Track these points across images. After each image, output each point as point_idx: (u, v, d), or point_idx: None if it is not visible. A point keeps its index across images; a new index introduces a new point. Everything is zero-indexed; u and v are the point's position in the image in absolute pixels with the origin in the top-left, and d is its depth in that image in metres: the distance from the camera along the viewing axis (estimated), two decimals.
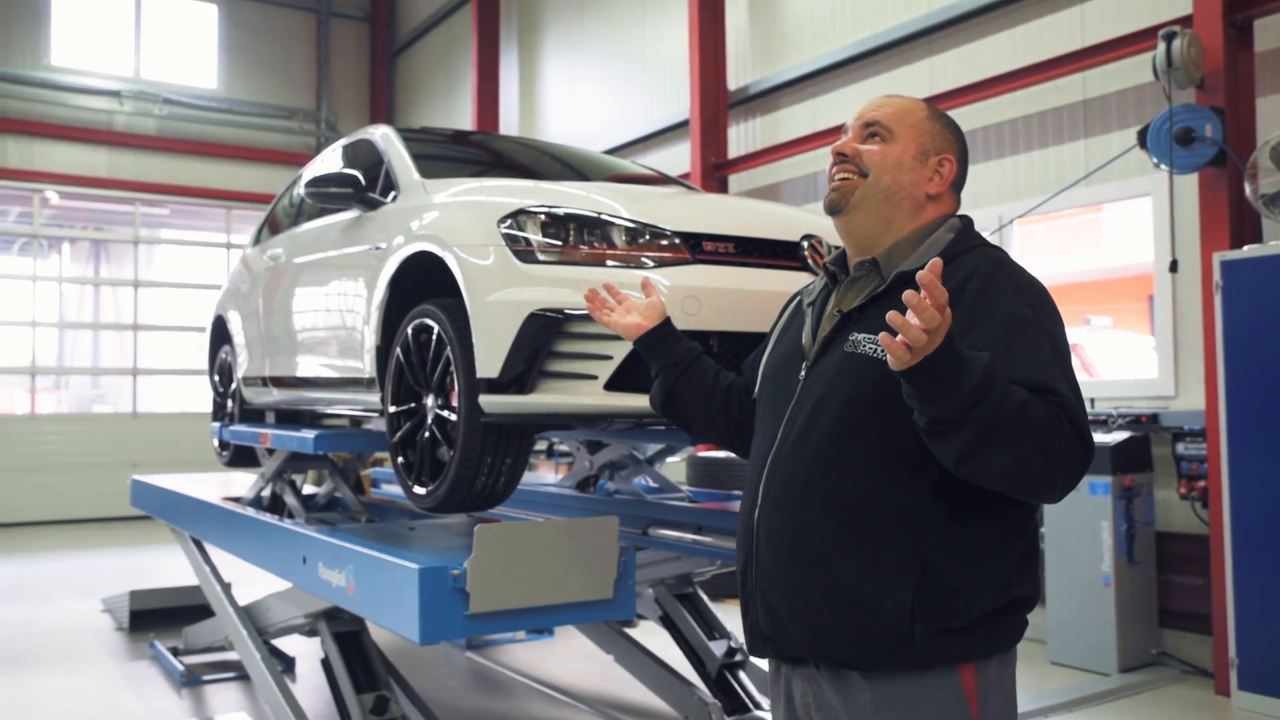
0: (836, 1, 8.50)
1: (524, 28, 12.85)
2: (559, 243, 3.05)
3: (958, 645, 1.76)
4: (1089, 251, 7.77)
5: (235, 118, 14.98)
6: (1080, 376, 6.93)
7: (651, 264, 3.02)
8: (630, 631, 5.32)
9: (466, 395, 3.08)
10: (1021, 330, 1.73)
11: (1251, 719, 5.05)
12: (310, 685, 5.50)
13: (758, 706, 4.64)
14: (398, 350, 3.46)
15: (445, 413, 3.23)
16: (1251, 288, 5.23)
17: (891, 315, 1.50)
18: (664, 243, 3.07)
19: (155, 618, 6.89)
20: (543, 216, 3.09)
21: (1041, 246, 7.49)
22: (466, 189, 3.56)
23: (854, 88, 8.29)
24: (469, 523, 3.83)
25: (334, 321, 4.11)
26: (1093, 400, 6.36)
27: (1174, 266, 5.85)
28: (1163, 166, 5.68)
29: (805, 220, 3.42)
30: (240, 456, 5.58)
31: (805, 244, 3.27)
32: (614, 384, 2.90)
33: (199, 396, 13.94)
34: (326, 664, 4.30)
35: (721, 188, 9.38)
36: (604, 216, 3.08)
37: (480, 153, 4.86)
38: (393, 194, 3.89)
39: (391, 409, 3.50)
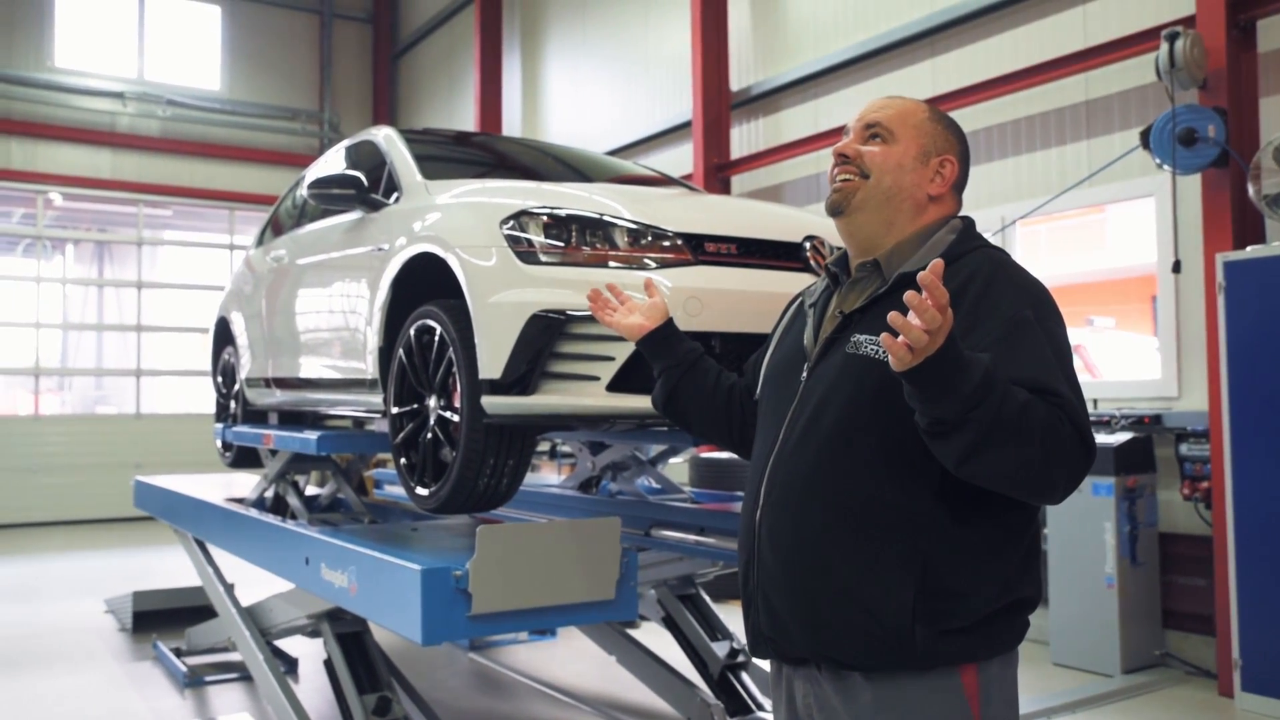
0: (839, 2, 8.50)
1: (526, 29, 12.86)
2: (561, 244, 3.05)
3: (959, 646, 1.76)
4: (1092, 252, 7.76)
5: (238, 119, 15.00)
6: (1083, 377, 6.92)
7: (654, 265, 3.03)
8: (633, 632, 5.32)
9: (469, 396, 3.08)
10: (1023, 331, 1.73)
11: None
12: (313, 686, 5.51)
13: (760, 708, 4.64)
14: (400, 351, 3.47)
15: (448, 414, 3.23)
16: (1254, 288, 5.23)
17: (893, 316, 1.50)
18: (666, 244, 3.07)
19: (158, 618, 6.90)
20: (545, 218, 3.09)
21: (1045, 247, 7.49)
22: (469, 190, 3.56)
23: (856, 89, 8.29)
24: (471, 524, 3.83)
25: (337, 323, 4.11)
26: (1096, 401, 6.36)
27: (1177, 267, 5.85)
28: (1165, 167, 5.68)
29: (807, 221, 3.42)
30: (243, 457, 5.58)
31: (807, 245, 3.27)
32: (616, 385, 2.91)
33: (202, 397, 13.95)
34: (329, 665, 4.30)
35: (724, 189, 9.38)
36: (606, 218, 3.09)
37: (483, 154, 4.86)
38: (395, 195, 3.90)
39: (394, 410, 3.50)
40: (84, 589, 8.53)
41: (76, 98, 13.96)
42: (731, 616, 4.84)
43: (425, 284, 3.43)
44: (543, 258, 3.04)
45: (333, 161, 4.75)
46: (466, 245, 3.16)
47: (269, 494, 4.97)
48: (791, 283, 2.87)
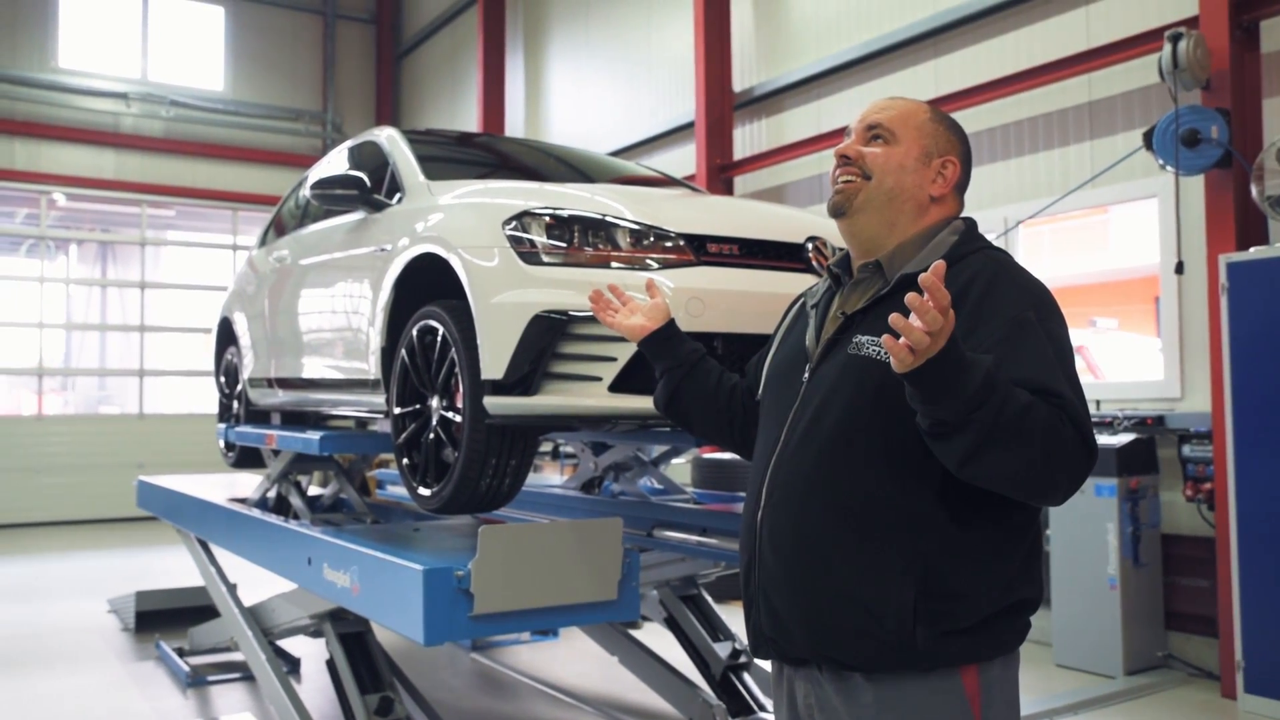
0: (842, 3, 8.49)
1: (529, 30, 12.87)
2: (564, 244, 3.05)
3: (960, 647, 1.76)
4: (1095, 253, 7.76)
5: (241, 119, 15.02)
6: (1086, 378, 6.91)
7: (656, 266, 3.03)
8: (635, 633, 5.32)
9: (471, 397, 3.09)
10: (1024, 332, 1.73)
11: None
12: (315, 686, 5.52)
13: (762, 709, 4.64)
14: (403, 352, 3.47)
15: (450, 414, 3.23)
16: (1257, 289, 5.22)
17: (894, 318, 1.50)
18: (668, 244, 3.07)
19: (161, 618, 6.91)
20: (547, 218, 3.09)
21: (1048, 248, 7.49)
22: (471, 191, 3.57)
23: (859, 89, 8.29)
24: (474, 524, 3.84)
25: (339, 323, 4.12)
26: (1098, 402, 6.36)
27: (1179, 268, 5.85)
28: (1168, 168, 5.67)
29: (809, 222, 3.42)
30: (246, 458, 5.59)
31: (809, 246, 3.27)
32: (618, 385, 2.91)
33: (205, 398, 13.97)
34: (331, 665, 4.30)
35: (727, 189, 9.38)
36: (608, 218, 3.09)
37: (485, 154, 4.86)
38: (398, 196, 3.90)
39: (396, 410, 3.51)
40: (87, 589, 8.54)
41: (80, 98, 13.98)
42: (733, 617, 4.83)
43: (428, 284, 3.44)
44: (545, 258, 3.04)
45: (335, 162, 4.76)
46: (469, 246, 3.17)
47: (271, 494, 4.98)
48: (793, 283, 2.87)
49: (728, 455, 7.37)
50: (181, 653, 6.13)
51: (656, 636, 5.37)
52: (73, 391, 16.60)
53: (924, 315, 1.47)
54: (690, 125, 9.88)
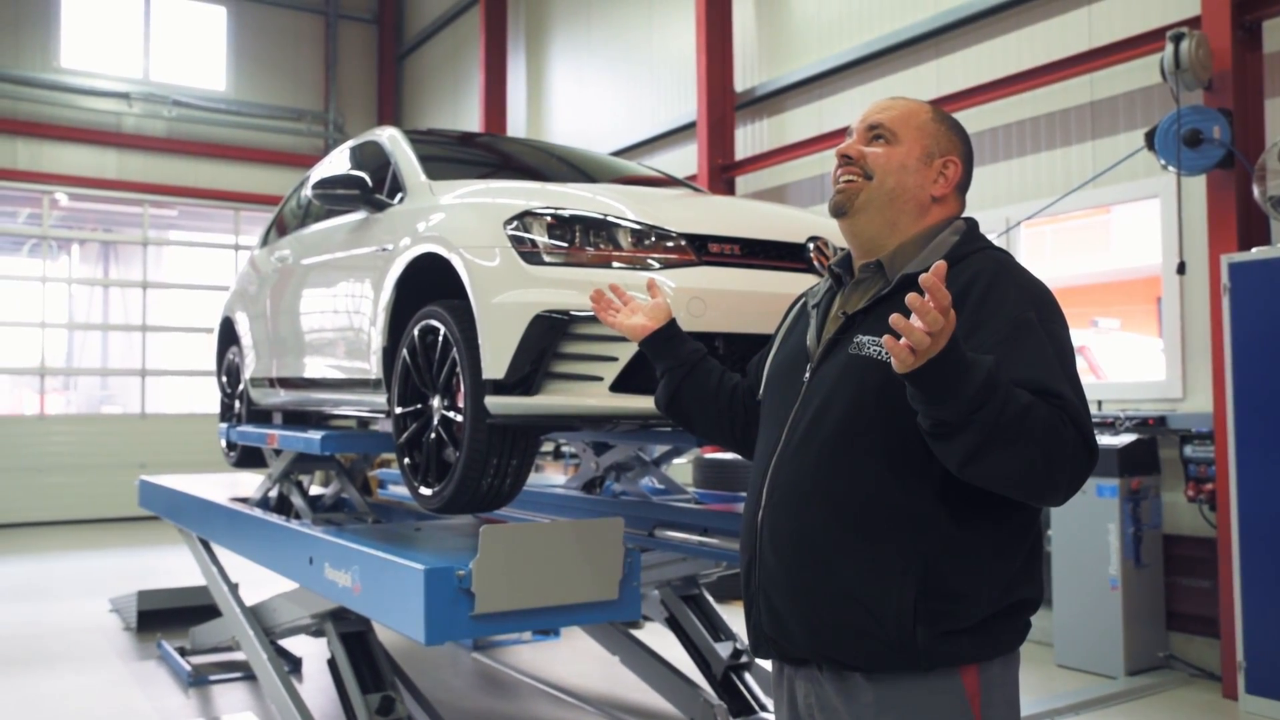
0: (843, 3, 8.49)
1: (531, 30, 12.87)
2: (565, 244, 3.05)
3: (960, 647, 1.76)
4: (1097, 254, 7.76)
5: (244, 119, 15.03)
6: (1088, 379, 6.90)
7: (657, 266, 3.03)
8: (636, 633, 5.32)
9: (472, 396, 3.09)
10: (1025, 333, 1.73)
11: None
12: (316, 685, 5.52)
13: (763, 708, 4.64)
14: (404, 351, 3.47)
15: (451, 414, 3.24)
16: (1259, 290, 5.22)
17: (894, 318, 1.50)
18: (670, 244, 3.07)
19: (163, 618, 6.92)
20: (549, 218, 3.09)
21: (1049, 249, 7.49)
22: (473, 190, 3.57)
23: (861, 89, 8.29)
24: (475, 524, 3.84)
25: (341, 323, 4.12)
26: (1100, 402, 6.35)
27: (1181, 268, 5.85)
28: (1170, 168, 5.67)
29: (811, 222, 3.42)
30: (248, 457, 5.59)
31: (811, 246, 3.27)
32: (619, 385, 2.91)
33: (207, 397, 13.99)
34: (333, 664, 4.31)
35: (728, 189, 9.38)
36: (610, 218, 3.09)
37: (487, 154, 4.87)
38: (399, 195, 3.90)
39: (398, 410, 3.51)
40: (89, 588, 8.54)
41: (82, 98, 14.00)
42: (734, 617, 4.83)
43: (429, 284, 3.44)
44: (546, 258, 3.04)
45: (337, 162, 4.76)
46: (470, 245, 3.17)
47: (273, 494, 4.98)
48: (795, 283, 2.87)
49: (729, 455, 7.37)
50: (183, 652, 6.14)
51: (658, 636, 5.37)
52: (75, 391, 16.61)
53: (924, 316, 1.47)
54: (692, 125, 9.88)
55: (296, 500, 4.78)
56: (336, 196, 3.99)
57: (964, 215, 2.00)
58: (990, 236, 1.99)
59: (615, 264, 3.02)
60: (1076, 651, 5.97)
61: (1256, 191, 5.41)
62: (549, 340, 2.94)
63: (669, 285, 2.93)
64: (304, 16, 15.88)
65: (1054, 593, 6.07)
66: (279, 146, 15.32)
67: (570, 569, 3.02)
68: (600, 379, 2.92)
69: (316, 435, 4.23)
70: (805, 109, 8.89)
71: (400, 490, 5.41)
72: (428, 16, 15.51)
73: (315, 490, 5.60)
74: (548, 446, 8.93)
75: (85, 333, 15.93)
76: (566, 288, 2.96)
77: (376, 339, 3.71)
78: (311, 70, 15.89)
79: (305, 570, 3.83)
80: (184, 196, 14.69)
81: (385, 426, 4.41)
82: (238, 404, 5.56)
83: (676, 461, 5.42)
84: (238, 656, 5.89)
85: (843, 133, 2.04)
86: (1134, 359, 7.62)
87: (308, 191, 4.87)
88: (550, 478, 6.40)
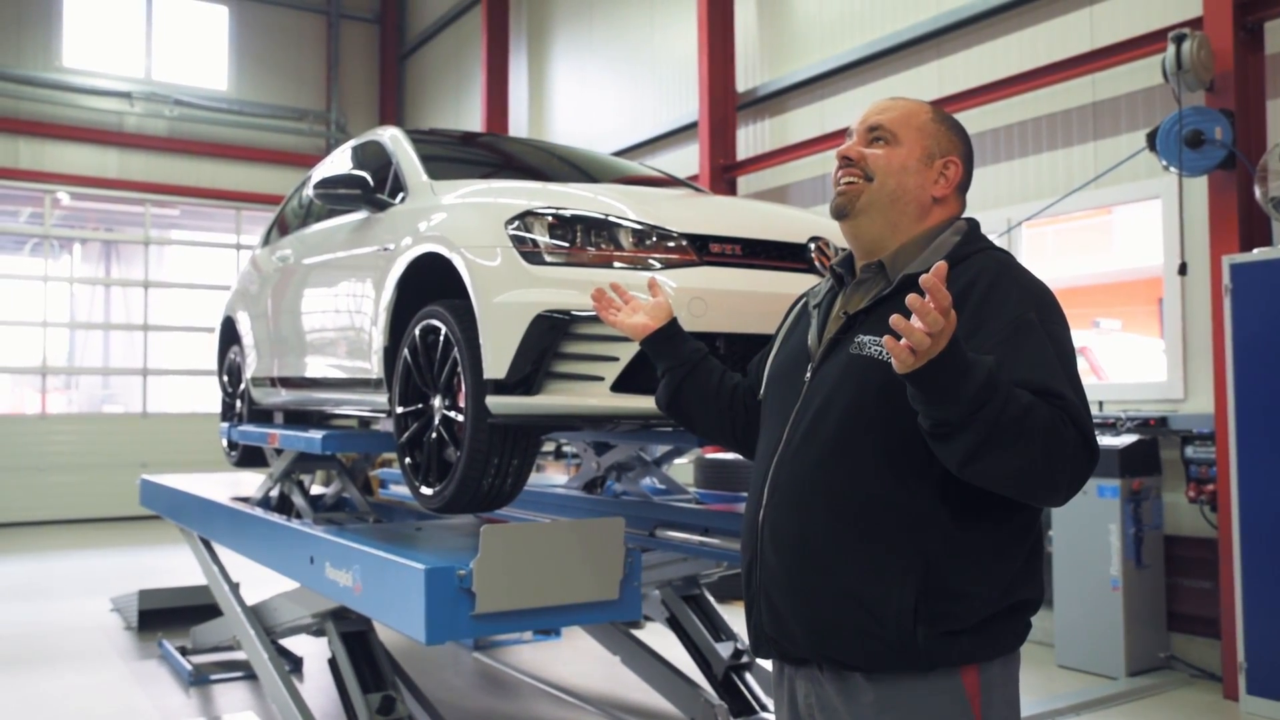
0: (845, 3, 8.49)
1: (533, 30, 12.88)
2: (566, 244, 3.05)
3: (961, 647, 1.76)
4: (1098, 254, 7.76)
5: (245, 119, 15.04)
6: (1089, 379, 6.90)
7: (658, 266, 3.03)
8: (637, 633, 5.33)
9: (473, 396, 3.09)
10: (1026, 334, 1.73)
11: None
12: (317, 685, 5.52)
13: (764, 709, 4.64)
14: (405, 351, 3.47)
15: (452, 414, 3.24)
16: (1261, 290, 5.21)
17: (894, 319, 1.50)
18: (671, 244, 3.07)
19: (164, 617, 6.92)
20: (550, 218, 3.09)
21: (1051, 249, 7.49)
22: (474, 190, 3.57)
23: (863, 89, 8.28)
24: (476, 523, 3.84)
25: (342, 322, 4.12)
26: (1101, 403, 6.35)
27: (1183, 269, 5.84)
28: (1172, 169, 5.67)
29: (812, 222, 3.42)
30: (249, 457, 5.60)
31: (812, 246, 3.27)
32: (620, 385, 2.91)
33: (208, 397, 13.99)
34: (333, 664, 4.31)
35: (730, 190, 9.38)
36: (611, 218, 3.09)
37: (488, 154, 4.87)
38: (401, 195, 3.91)
39: (399, 410, 3.51)
40: (90, 587, 8.55)
41: (84, 97, 14.00)
42: (735, 617, 4.83)
43: (430, 284, 3.44)
44: (548, 258, 3.04)
45: (339, 161, 4.76)
46: (471, 245, 3.17)
47: (274, 493, 4.98)
48: (796, 283, 2.87)
49: (730, 455, 7.37)
50: (184, 651, 6.14)
51: (658, 636, 5.37)
52: (76, 390, 16.62)
53: (925, 316, 1.48)
54: (694, 125, 9.88)
55: (297, 500, 4.78)
56: (338, 196, 3.99)
57: (965, 216, 2.00)
58: (991, 237, 1.99)
59: (616, 264, 3.03)
60: (1077, 652, 5.97)
61: (1258, 192, 5.40)
62: (550, 340, 2.94)
63: (670, 285, 2.93)
64: (306, 16, 15.89)
65: (1055, 593, 6.07)
66: (281, 146, 15.33)
67: (571, 569, 3.02)
68: (601, 379, 2.92)
69: (318, 435, 4.23)
70: (807, 109, 8.89)
71: (401, 490, 5.41)
72: (429, 16, 15.52)
73: (316, 490, 5.60)
74: (549, 446, 8.92)
75: (87, 332, 15.94)
76: (568, 288, 2.96)
77: (378, 338, 3.71)
78: (313, 70, 15.90)
79: (306, 570, 3.84)
80: (186, 196, 14.69)
81: (386, 426, 4.41)
82: (239, 403, 5.57)
83: (678, 461, 5.42)
84: (239, 656, 5.89)
85: (844, 133, 2.04)
86: (1135, 360, 7.62)
87: (309, 191, 4.87)
88: (551, 478, 6.40)
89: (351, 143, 4.76)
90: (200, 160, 14.72)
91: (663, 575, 4.65)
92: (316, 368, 4.41)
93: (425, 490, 3.34)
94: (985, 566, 1.77)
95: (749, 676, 4.80)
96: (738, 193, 9.39)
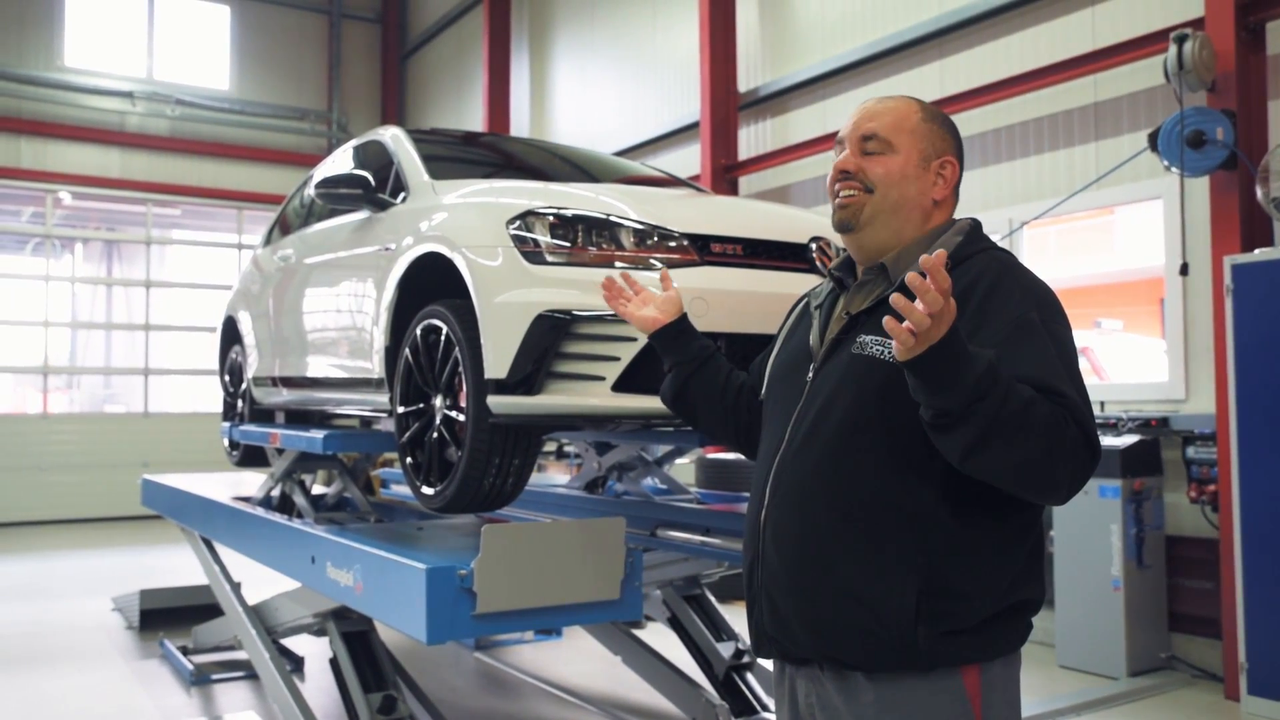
0: (847, 3, 8.49)
1: (535, 29, 12.88)
2: (567, 244, 3.05)
3: (961, 647, 1.76)
4: (1100, 255, 7.76)
5: (247, 119, 15.04)
6: (1090, 379, 6.89)
7: (660, 265, 3.03)
8: (638, 633, 5.32)
9: (475, 396, 3.09)
10: (1027, 332, 1.73)
11: None
12: (318, 685, 5.52)
13: (765, 709, 4.64)
14: (406, 351, 3.48)
15: (453, 413, 3.24)
16: (1262, 291, 5.21)
17: (895, 298, 1.51)
18: (672, 244, 3.07)
19: (165, 616, 6.92)
20: (551, 218, 3.09)
21: (1053, 249, 7.48)
22: (475, 190, 3.57)
23: (865, 90, 8.28)
24: (477, 523, 3.84)
25: (343, 322, 4.13)
26: (1103, 403, 6.35)
27: (1184, 270, 5.84)
28: (1174, 170, 5.67)
29: (813, 222, 3.42)
30: (250, 456, 5.60)
31: (813, 246, 3.27)
32: (622, 385, 2.91)
33: (210, 396, 13.99)
34: (335, 663, 4.31)
35: (732, 190, 9.38)
36: (612, 218, 3.09)
37: (490, 154, 4.87)
38: (402, 195, 3.91)
39: (400, 409, 3.51)
40: (91, 587, 8.55)
41: (86, 97, 14.01)
42: (736, 617, 4.83)
43: (432, 284, 3.44)
44: (549, 258, 3.04)
45: (340, 161, 4.76)
46: (473, 245, 3.17)
47: (275, 493, 4.98)
48: (797, 284, 2.87)
49: (732, 455, 7.37)
50: (185, 651, 6.14)
51: (659, 636, 5.37)
52: (78, 390, 16.63)
53: (924, 295, 1.49)
54: (695, 125, 9.88)
55: (299, 499, 4.79)
56: (339, 196, 3.99)
57: (967, 216, 2.00)
58: (993, 237, 1.99)
59: (618, 264, 3.02)
60: (1078, 652, 5.97)
61: (1260, 193, 5.40)
62: (551, 340, 2.94)
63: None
64: (308, 16, 15.89)
65: (1056, 593, 6.07)
66: (282, 146, 15.33)
67: (572, 569, 3.02)
68: (603, 379, 2.92)
69: (319, 434, 4.23)
70: (809, 109, 8.89)
71: (402, 490, 5.41)
72: (431, 16, 15.52)
73: (318, 489, 5.60)
74: (550, 446, 8.92)
75: (88, 332, 15.95)
76: (569, 287, 2.96)
77: (379, 338, 3.72)
78: (315, 70, 15.90)
79: (307, 569, 3.84)
80: (187, 195, 14.70)
81: (387, 426, 4.41)
82: (240, 403, 5.57)
83: (679, 461, 5.42)
84: (240, 655, 5.89)
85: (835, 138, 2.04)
86: (1137, 360, 7.62)
87: (311, 191, 4.87)
88: (552, 477, 6.40)
89: (353, 142, 4.76)
90: (202, 160, 14.73)
91: (664, 575, 4.65)
92: (318, 367, 4.41)
93: (426, 490, 3.34)
94: (987, 566, 1.77)
95: (750, 676, 4.80)
96: (739, 193, 9.39)
